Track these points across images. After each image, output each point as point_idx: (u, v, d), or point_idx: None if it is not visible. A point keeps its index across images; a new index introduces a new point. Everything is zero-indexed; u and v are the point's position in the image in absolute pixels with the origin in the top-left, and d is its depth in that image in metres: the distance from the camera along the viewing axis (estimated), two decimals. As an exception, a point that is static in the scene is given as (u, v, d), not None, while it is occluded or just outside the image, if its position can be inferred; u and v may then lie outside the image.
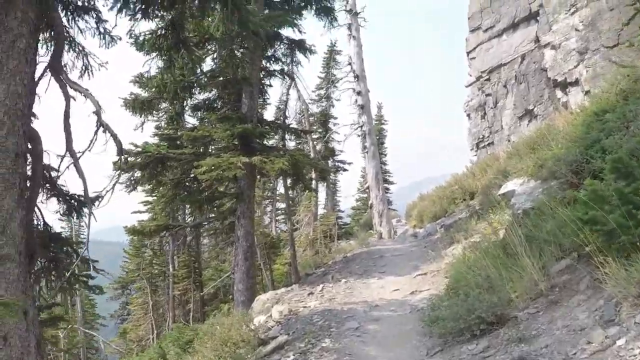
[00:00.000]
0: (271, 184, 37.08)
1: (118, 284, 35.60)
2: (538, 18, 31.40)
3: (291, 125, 23.37)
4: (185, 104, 20.51)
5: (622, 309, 6.26)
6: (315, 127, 41.31)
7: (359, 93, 30.23)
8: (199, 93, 19.94)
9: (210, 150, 18.95)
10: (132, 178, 17.76)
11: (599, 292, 6.95)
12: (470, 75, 38.74)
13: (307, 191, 30.29)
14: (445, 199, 27.18)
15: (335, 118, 43.02)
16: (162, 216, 26.25)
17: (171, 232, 20.47)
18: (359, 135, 31.06)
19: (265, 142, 19.23)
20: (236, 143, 18.17)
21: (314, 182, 34.87)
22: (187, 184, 18.99)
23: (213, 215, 20.42)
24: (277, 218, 45.29)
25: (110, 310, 40.23)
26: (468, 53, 38.73)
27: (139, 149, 17.29)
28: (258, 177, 19.92)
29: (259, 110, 21.05)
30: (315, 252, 28.78)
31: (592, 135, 10.08)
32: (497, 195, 15.37)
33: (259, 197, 40.23)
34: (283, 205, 45.17)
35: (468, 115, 38.31)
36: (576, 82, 26.37)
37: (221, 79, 18.78)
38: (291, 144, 48.16)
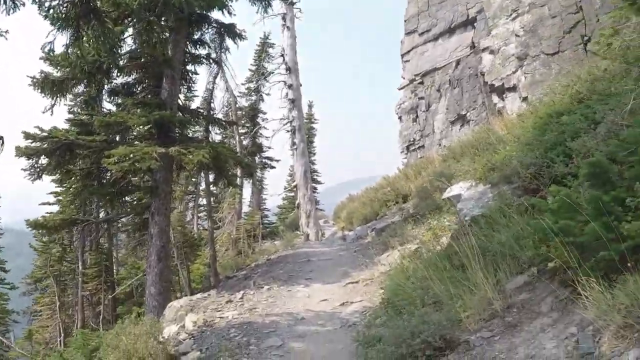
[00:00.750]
0: (195, 179, 35.42)
1: (31, 278, 33.56)
2: (475, 24, 31.80)
3: (216, 116, 21.80)
4: (102, 87, 18.86)
5: (603, 341, 5.21)
6: (243, 122, 39.91)
7: (290, 86, 29.01)
8: (118, 76, 18.40)
9: (126, 139, 17.35)
10: (36, 165, 15.95)
11: (567, 316, 5.93)
12: (404, 78, 39.26)
13: (230, 188, 28.96)
14: (377, 201, 26.23)
15: (265, 113, 41.72)
16: (70, 209, 24.43)
17: (79, 227, 18.57)
18: (288, 131, 29.73)
19: (186, 132, 17.89)
20: (153, 132, 16.77)
21: (238, 178, 33.64)
22: (98, 175, 17.30)
23: (125, 210, 18.82)
24: (199, 215, 43.77)
25: (23, 306, 37.80)
26: (402, 55, 39.65)
27: (45, 134, 15.51)
28: (177, 170, 18.36)
29: (182, 98, 19.71)
30: (237, 253, 27.59)
31: (550, 137, 9.17)
32: (440, 199, 14.48)
33: (180, 193, 38.78)
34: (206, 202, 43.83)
35: (400, 117, 38.48)
36: (514, 88, 26.60)
37: (142, 60, 17.26)
38: (217, 137, 46.91)
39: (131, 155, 14.51)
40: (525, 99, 24.72)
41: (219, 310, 12.70)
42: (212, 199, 40.97)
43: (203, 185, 35.24)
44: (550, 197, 6.55)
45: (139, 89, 18.79)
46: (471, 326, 6.98)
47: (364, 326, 9.48)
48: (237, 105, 35.00)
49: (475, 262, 7.46)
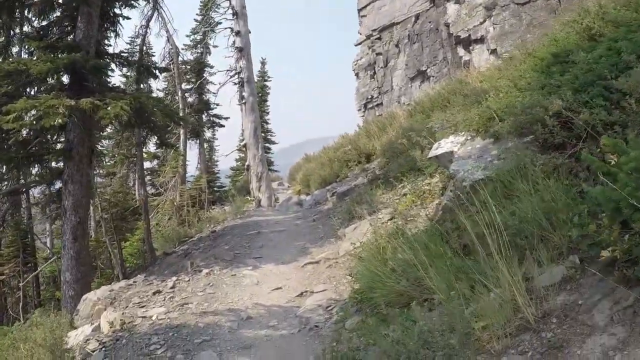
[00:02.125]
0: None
1: None
2: (436, -25, 30.67)
3: (147, 63, 18.98)
4: (10, 33, 16.13)
5: None
6: (188, 76, 37.07)
7: (237, 33, 26.23)
8: (34, 18, 15.75)
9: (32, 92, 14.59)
10: None
11: (640, 335, 3.66)
12: (361, 34, 39.01)
13: (171, 149, 26.34)
14: (337, 161, 23.96)
15: (212, 67, 38.30)
16: None
17: None
18: (235, 84, 26.88)
19: (106, 81, 15.25)
20: (65, 82, 14.12)
21: (182, 138, 31.09)
22: (1, 137, 14.41)
23: (34, 179, 16.07)
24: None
25: None
26: (359, 10, 39.21)
27: None
28: (97, 128, 15.74)
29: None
30: (181, 222, 25.21)
31: (579, 76, 6.95)
32: (413, 157, 12.31)
33: (120, 155, 36.16)
34: (149, 165, 41.13)
35: (357, 74, 38.16)
36: (481, 40, 26.02)
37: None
38: (160, 95, 44.07)
39: (33, 111, 11.95)
40: (494, 51, 24.29)
41: (143, 306, 10.22)
42: (155, 162, 38.70)
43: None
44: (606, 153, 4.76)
45: (56, 32, 15.99)
46: (492, 345, 4.74)
47: (331, 331, 7.25)
48: (179, 58, 32.25)
49: (493, 246, 5.13)
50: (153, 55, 40.79)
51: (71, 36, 15.10)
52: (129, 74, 23.09)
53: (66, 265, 13.61)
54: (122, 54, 16.75)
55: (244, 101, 25.91)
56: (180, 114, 30.86)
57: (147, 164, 40.92)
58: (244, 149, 27.09)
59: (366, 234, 10.83)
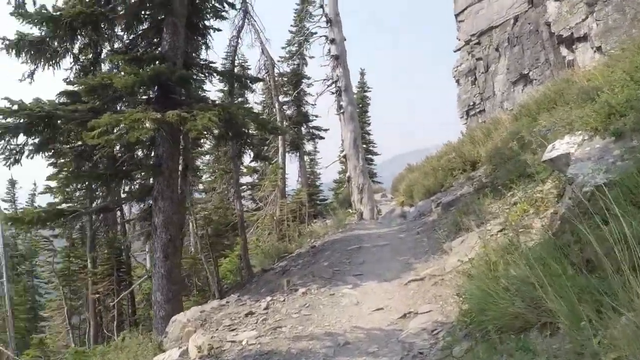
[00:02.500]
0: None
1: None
2: (532, -25, 30.10)
3: (238, 72, 18.54)
4: (98, 48, 16.13)
5: None
6: (285, 89, 36.88)
7: (332, 41, 25.75)
8: (123, 33, 15.76)
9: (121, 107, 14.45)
10: (9, 146, 13.10)
11: None
12: (459, 40, 38.49)
13: (267, 162, 26.07)
14: (441, 170, 23.13)
15: (309, 78, 37.87)
16: (63, 197, 21.83)
17: (68, 219, 15.40)
18: (332, 93, 26.42)
19: (195, 92, 14.93)
20: (151, 95, 14.01)
21: (280, 150, 30.84)
22: (91, 154, 14.20)
23: (123, 196, 15.93)
24: (243, 194, 41.26)
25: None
26: (457, 16, 38.77)
27: (16, 107, 12.37)
28: (188, 142, 15.46)
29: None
30: (281, 237, 24.86)
31: None
32: (522, 162, 11.45)
33: (221, 170, 36.24)
34: (249, 179, 41.14)
35: (457, 81, 37.72)
36: (584, 38, 25.12)
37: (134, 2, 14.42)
38: (257, 108, 44.11)
39: (118, 125, 11.73)
40: (598, 48, 23.26)
41: (234, 329, 9.70)
42: (254, 176, 38.67)
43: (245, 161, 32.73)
44: None
45: (143, 46, 15.90)
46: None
47: (437, 358, 6.55)
48: (275, 69, 32.07)
49: (623, 262, 4.32)
50: (249, 69, 40.97)
51: (158, 48, 14.93)
52: (224, 88, 22.86)
53: (157, 285, 13.38)
54: (212, 64, 16.45)
55: (342, 110, 25.37)
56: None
57: (246, 179, 41.09)
58: (344, 160, 26.52)
59: (474, 248, 10.10)
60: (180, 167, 19.31)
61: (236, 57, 19.74)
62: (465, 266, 9.03)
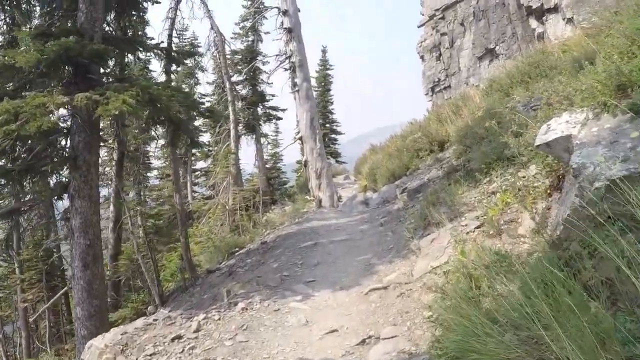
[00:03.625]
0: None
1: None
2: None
3: (166, 47, 16.26)
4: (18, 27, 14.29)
5: None
6: (239, 67, 34.98)
7: (284, 12, 23.91)
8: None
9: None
10: None
11: None
12: (423, 15, 38.57)
13: (199, 148, 24.13)
14: (406, 151, 21.60)
15: (264, 55, 36.16)
16: None
17: None
18: (286, 69, 24.54)
19: (116, 71, 13.10)
20: (62, 75, 12.03)
21: (232, 133, 29.09)
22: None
23: (34, 195, 13.84)
24: (195, 181, 39.47)
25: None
26: None
27: None
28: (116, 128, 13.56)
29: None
30: (234, 228, 23.22)
31: None
32: (520, 145, 9.96)
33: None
34: (203, 164, 39.42)
35: (422, 57, 37.91)
36: (555, 9, 25.24)
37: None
38: (208, 89, 42.21)
39: (17, 111, 9.72)
40: (569, 20, 23.31)
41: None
42: (207, 161, 36.92)
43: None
44: None
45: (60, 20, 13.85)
46: None
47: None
48: (225, 45, 30.26)
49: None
50: (199, 46, 39.15)
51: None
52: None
53: (77, 299, 11.62)
54: (138, 39, 14.53)
55: (296, 88, 23.56)
56: (229, 107, 28.90)
57: (200, 164, 39.34)
58: (299, 142, 24.69)
59: (447, 249, 8.61)
60: (115, 156, 17.53)
61: (174, 31, 17.76)
62: (437, 276, 7.53)
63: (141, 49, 14.57)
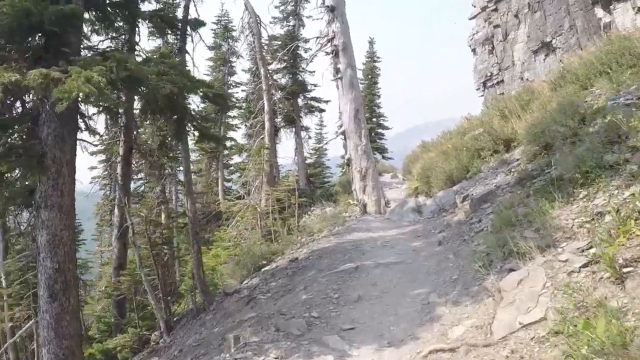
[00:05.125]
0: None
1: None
2: None
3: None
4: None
5: None
6: (279, 54, 32.59)
7: (327, -14, 21.46)
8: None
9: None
10: None
11: None
12: (475, 6, 37.54)
13: (216, 142, 21.49)
14: (465, 150, 19.07)
15: (306, 42, 33.75)
16: None
17: None
18: (327, 53, 21.82)
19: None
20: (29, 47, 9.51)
21: (266, 126, 26.72)
22: None
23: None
24: (228, 178, 37.26)
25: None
26: None
27: None
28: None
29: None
30: (266, 233, 20.88)
31: None
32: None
33: (203, 149, 32.74)
34: (239, 159, 37.17)
35: (473, 50, 36.93)
36: None
37: None
38: (244, 77, 40.00)
39: None
40: None
41: None
42: (243, 155, 34.57)
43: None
44: None
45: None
46: None
47: None
48: (261, 27, 27.86)
49: None
50: (233, 30, 37.17)
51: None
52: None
53: (42, 338, 9.19)
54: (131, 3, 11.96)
55: (339, 75, 20.95)
56: (264, 97, 26.55)
57: (237, 158, 37.07)
58: (342, 137, 22.02)
59: (542, 296, 6.22)
60: (121, 151, 15.27)
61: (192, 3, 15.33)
62: (533, 341, 5.17)
63: (137, 15, 12.01)
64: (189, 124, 11.31)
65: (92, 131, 10.74)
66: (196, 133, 11.95)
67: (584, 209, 7.95)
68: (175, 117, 10.73)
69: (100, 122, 14.86)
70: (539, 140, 13.35)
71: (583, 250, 6.88)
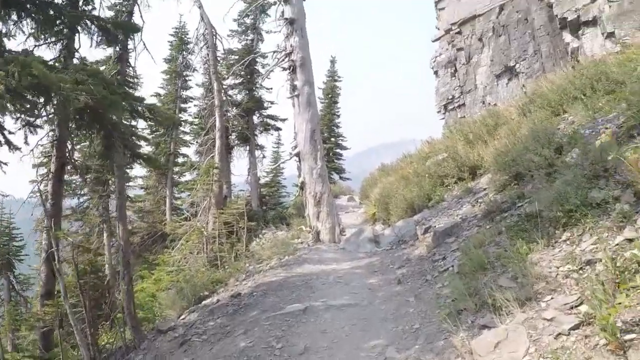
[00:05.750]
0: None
1: None
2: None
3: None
4: None
5: None
6: (235, 68, 31.45)
7: (286, 1, 20.32)
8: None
9: None
10: None
11: None
12: (439, 29, 38.17)
13: (146, 163, 20.15)
14: (428, 176, 18.06)
15: (265, 57, 32.54)
16: None
17: None
18: (285, 69, 20.59)
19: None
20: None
21: (217, 144, 25.56)
22: None
23: None
24: (178, 195, 35.98)
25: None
26: (436, 3, 38.16)
27: None
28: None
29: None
30: (212, 259, 19.69)
31: None
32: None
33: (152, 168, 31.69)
34: (190, 177, 35.94)
35: (435, 72, 37.16)
36: (593, 22, 24.07)
37: None
38: (197, 91, 39.12)
39: None
40: (610, 34, 22.31)
41: None
42: (194, 173, 33.29)
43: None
44: None
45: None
46: None
47: None
48: (217, 39, 26.76)
49: None
50: (189, 42, 36.33)
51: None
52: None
53: None
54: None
55: (296, 93, 19.75)
56: (215, 113, 25.47)
57: (189, 176, 35.88)
58: (296, 159, 20.66)
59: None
60: (52, 167, 14.04)
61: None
62: None
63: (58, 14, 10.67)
64: (118, 142, 10.05)
65: (12, 146, 9.60)
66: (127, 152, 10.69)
67: (570, 254, 6.92)
68: (102, 132, 9.49)
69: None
70: (509, 170, 12.51)
71: (572, 307, 5.86)
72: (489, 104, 29.95)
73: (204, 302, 13.48)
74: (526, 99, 18.37)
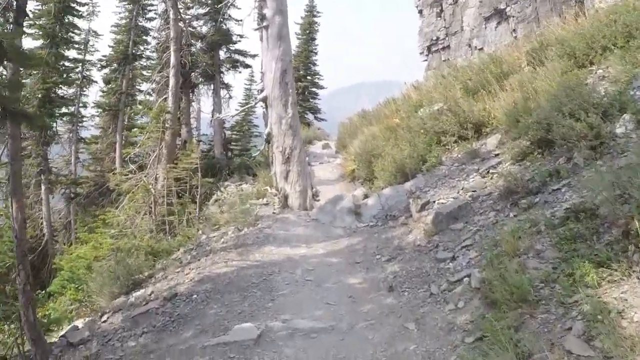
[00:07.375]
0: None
1: None
2: None
3: None
4: None
5: None
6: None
7: None
8: None
9: None
10: None
11: None
12: None
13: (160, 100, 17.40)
14: (423, 133, 15.56)
15: None
16: None
17: None
18: None
19: None
20: None
21: (171, 83, 22.82)
22: None
23: None
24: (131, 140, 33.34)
25: None
26: None
27: None
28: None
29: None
30: (160, 223, 17.26)
31: None
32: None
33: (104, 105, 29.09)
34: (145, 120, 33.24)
35: (420, 11, 35.09)
36: None
37: None
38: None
39: None
40: None
41: None
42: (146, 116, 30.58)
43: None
44: None
45: None
46: None
47: None
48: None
49: None
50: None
51: None
52: None
53: None
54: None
55: (265, 23, 16.71)
56: (171, 47, 22.74)
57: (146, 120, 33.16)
58: (262, 105, 17.60)
59: None
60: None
61: None
62: None
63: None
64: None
65: None
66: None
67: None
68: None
69: None
70: (532, 134, 9.99)
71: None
72: (476, 47, 28.83)
73: (135, 294, 10.92)
74: (537, 44, 16.02)
